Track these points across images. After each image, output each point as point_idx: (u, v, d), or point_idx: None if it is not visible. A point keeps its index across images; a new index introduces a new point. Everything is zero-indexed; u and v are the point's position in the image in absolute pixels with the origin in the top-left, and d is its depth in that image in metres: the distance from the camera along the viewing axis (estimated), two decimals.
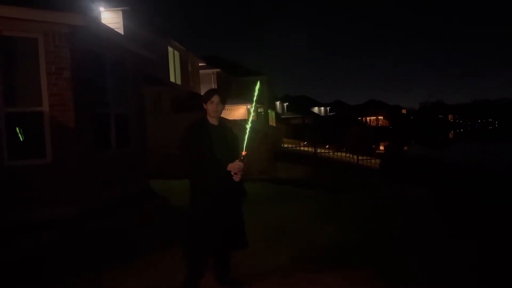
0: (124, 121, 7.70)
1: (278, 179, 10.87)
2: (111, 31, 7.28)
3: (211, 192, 3.21)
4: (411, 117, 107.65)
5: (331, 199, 8.11)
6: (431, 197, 9.48)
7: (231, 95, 30.22)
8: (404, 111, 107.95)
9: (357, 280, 3.69)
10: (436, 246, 4.85)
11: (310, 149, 20.31)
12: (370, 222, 6.03)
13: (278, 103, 48.69)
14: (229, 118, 22.87)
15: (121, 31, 13.58)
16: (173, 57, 20.12)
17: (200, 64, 24.97)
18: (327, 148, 20.91)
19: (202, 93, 25.45)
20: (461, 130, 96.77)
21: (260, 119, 31.07)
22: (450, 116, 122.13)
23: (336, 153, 19.13)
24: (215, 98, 3.31)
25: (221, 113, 3.38)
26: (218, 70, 27.09)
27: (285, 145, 22.87)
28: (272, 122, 35.75)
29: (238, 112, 28.38)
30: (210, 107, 3.33)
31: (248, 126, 3.22)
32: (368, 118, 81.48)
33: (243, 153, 3.15)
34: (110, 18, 14.06)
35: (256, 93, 3.30)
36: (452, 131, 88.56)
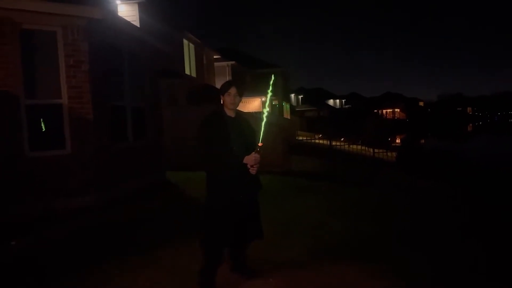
0: (140, 113, 7.79)
1: (292, 171, 10.84)
2: (128, 23, 7.34)
3: (228, 184, 3.21)
4: (429, 109, 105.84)
5: (346, 192, 8.06)
6: (447, 192, 9.33)
7: (246, 87, 30.21)
8: (421, 103, 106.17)
9: (374, 273, 3.68)
10: (448, 243, 4.78)
11: (325, 141, 20.18)
12: (385, 216, 5.99)
13: (293, 95, 48.45)
14: (244, 111, 22.92)
15: (137, 23, 13.67)
16: (188, 49, 20.18)
17: (215, 57, 25.00)
18: (343, 141, 20.75)
19: (217, 85, 25.67)
20: (480, 123, 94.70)
21: (275, 111, 31.00)
22: (469, 109, 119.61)
23: (351, 146, 18.98)
24: (232, 90, 3.30)
25: (238, 105, 3.38)
26: (233, 62, 27.07)
27: (300, 138, 22.80)
28: (287, 114, 35.63)
29: (253, 104, 28.37)
30: (227, 99, 3.32)
31: (264, 117, 3.21)
32: (384, 111, 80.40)
33: (260, 144, 3.15)
34: (126, 11, 14.17)
35: (270, 88, 3.32)
36: (471, 124, 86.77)
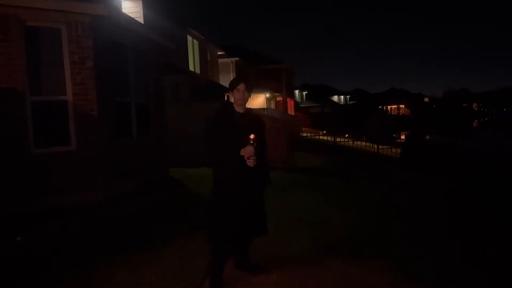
0: (144, 110, 7.81)
1: (297, 168, 10.85)
2: (132, 20, 7.35)
3: (232, 179, 3.23)
4: (434, 105, 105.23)
5: (350, 188, 8.06)
6: (452, 188, 9.29)
7: (249, 83, 30.17)
8: (426, 99, 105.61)
9: (378, 269, 3.68)
10: (450, 241, 4.78)
11: (329, 138, 20.18)
12: (389, 213, 5.99)
13: (297, 91, 48.32)
14: (248, 107, 22.90)
15: (141, 20, 13.66)
16: (192, 46, 20.17)
17: (219, 53, 24.96)
18: (347, 137, 20.71)
19: (221, 82, 25.62)
20: (486, 118, 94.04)
21: (279, 108, 30.96)
22: (474, 105, 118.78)
23: (355, 142, 18.94)
24: (241, 86, 3.31)
25: (247, 101, 3.37)
26: (237, 59, 27.02)
27: (304, 134, 22.76)
28: (291, 110, 35.56)
29: (257, 101, 28.34)
30: (236, 95, 3.34)
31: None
32: (389, 107, 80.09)
33: (251, 136, 3.15)
34: (130, 8, 14.15)
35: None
36: (476, 120, 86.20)
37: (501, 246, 4.46)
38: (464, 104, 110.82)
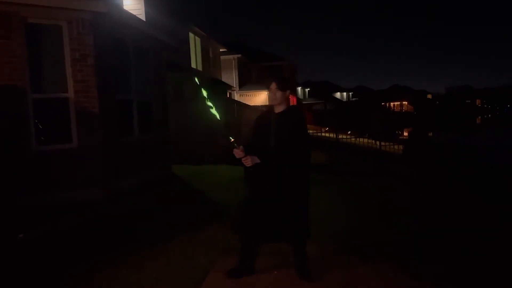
0: (146, 107, 7.81)
1: None
2: (133, 17, 7.34)
3: (257, 177, 3.27)
4: (437, 102, 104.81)
5: (352, 186, 8.04)
6: (455, 185, 9.26)
7: (251, 80, 30.12)
8: (429, 96, 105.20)
9: (383, 269, 3.67)
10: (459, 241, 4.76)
11: (331, 135, 20.14)
12: (391, 211, 5.96)
13: (299, 88, 48.21)
14: (250, 104, 22.88)
15: (142, 17, 13.62)
16: (194, 43, 20.14)
17: (221, 50, 24.91)
18: (349, 134, 20.66)
19: (223, 79, 25.54)
20: (489, 115, 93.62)
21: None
22: (477, 101, 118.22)
23: (358, 139, 18.89)
24: (273, 86, 3.32)
25: (281, 100, 3.34)
26: (239, 55, 26.97)
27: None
28: None
29: (259, 98, 28.30)
30: (269, 94, 3.37)
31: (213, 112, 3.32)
32: (392, 104, 79.77)
33: (231, 139, 3.24)
34: (132, 5, 14.11)
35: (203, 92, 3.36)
36: (480, 117, 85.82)
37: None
38: (467, 101, 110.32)
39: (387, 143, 17.35)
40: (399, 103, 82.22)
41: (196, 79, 3.56)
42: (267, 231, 3.29)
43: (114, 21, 6.51)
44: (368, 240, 4.48)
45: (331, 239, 4.43)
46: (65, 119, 5.89)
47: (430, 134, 41.95)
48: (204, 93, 3.38)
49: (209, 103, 3.33)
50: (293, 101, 35.58)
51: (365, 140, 18.77)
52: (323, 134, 21.50)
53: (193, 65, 19.61)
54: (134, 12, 10.03)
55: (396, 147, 17.17)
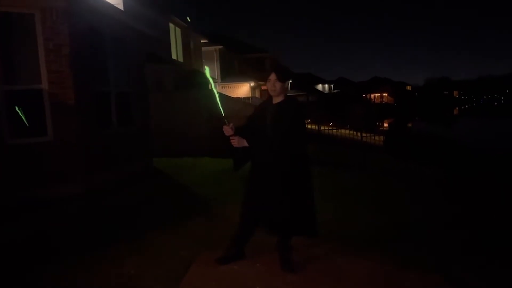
0: (125, 99, 7.62)
1: None
2: (111, 6, 7.12)
3: (255, 166, 3.36)
4: (416, 93, 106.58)
5: (335, 176, 8.07)
6: (435, 174, 9.43)
7: (234, 72, 29.91)
8: (409, 87, 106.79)
9: (366, 259, 3.68)
10: (443, 230, 4.82)
11: (313, 126, 20.21)
12: (374, 200, 6.01)
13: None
14: (232, 96, 22.71)
15: (121, 7, 13.26)
16: (175, 34, 19.82)
17: (202, 41, 24.62)
18: (331, 126, 20.78)
19: (204, 70, 25.05)
20: (466, 106, 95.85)
21: (264, 97, 30.79)
22: (455, 92, 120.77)
23: (339, 130, 19.01)
24: (272, 76, 3.28)
25: (280, 92, 3.30)
26: (221, 47, 26.72)
27: None
28: None
29: (241, 89, 28.15)
30: (268, 85, 3.33)
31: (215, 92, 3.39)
32: (372, 95, 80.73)
33: (223, 116, 3.29)
34: None
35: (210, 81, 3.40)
36: (457, 108, 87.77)
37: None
38: (445, 92, 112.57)
39: (368, 134, 17.52)
40: (379, 94, 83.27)
41: (206, 68, 3.50)
42: (266, 218, 3.33)
43: (90, 10, 6.29)
44: (352, 229, 4.49)
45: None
46: (40, 112, 5.68)
47: (410, 125, 42.71)
48: (212, 84, 3.39)
49: (216, 94, 3.38)
50: None
51: (347, 131, 18.89)
52: (308, 126, 21.54)
53: (174, 57, 19.32)
54: (112, 1, 9.73)
55: (377, 138, 17.36)
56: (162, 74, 15.80)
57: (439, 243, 4.12)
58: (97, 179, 6.30)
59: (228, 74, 28.64)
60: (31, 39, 5.58)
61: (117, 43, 7.32)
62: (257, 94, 30.96)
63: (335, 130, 18.84)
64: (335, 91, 74.97)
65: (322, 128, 18.73)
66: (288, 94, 3.42)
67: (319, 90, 66.08)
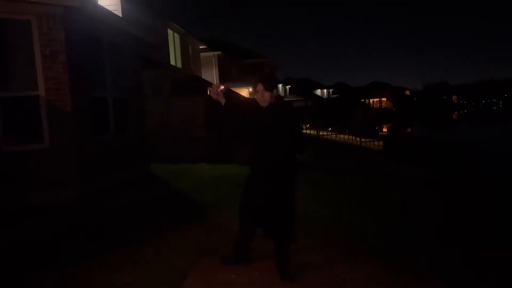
0: (122, 105, 7.58)
1: None
2: (108, 12, 7.10)
3: (255, 169, 3.36)
4: (415, 98, 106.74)
5: (335, 181, 8.03)
6: (435, 178, 9.39)
7: (232, 78, 29.95)
8: (407, 92, 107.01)
9: (364, 266, 3.63)
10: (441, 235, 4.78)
11: (312, 132, 20.19)
12: (374, 206, 5.97)
13: (280, 85, 48.25)
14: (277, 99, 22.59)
15: (119, 13, 13.30)
16: (173, 40, 19.84)
17: (200, 47, 24.65)
18: (330, 131, 20.77)
19: (203, 76, 25.29)
20: (465, 111, 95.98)
21: None
22: (454, 97, 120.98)
23: (338, 136, 19.01)
24: (259, 87, 3.27)
25: (271, 100, 3.29)
26: (219, 53, 26.73)
27: None
28: None
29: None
30: (256, 96, 3.31)
31: None
32: (371, 100, 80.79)
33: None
34: (108, 0, 13.78)
35: None
36: (456, 112, 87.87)
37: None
38: (444, 97, 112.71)
39: (367, 139, 17.51)
40: (378, 99, 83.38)
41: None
42: (262, 219, 3.34)
43: (88, 16, 6.27)
44: (350, 236, 4.44)
45: (313, 236, 4.37)
46: (36, 118, 5.64)
47: (409, 129, 42.70)
48: None
49: None
50: None
51: (346, 136, 18.89)
52: (304, 131, 21.53)
53: (172, 62, 19.33)
54: (110, 8, 9.74)
55: (376, 143, 17.35)
56: (160, 80, 15.77)
57: (439, 250, 4.08)
58: (93, 185, 6.25)
59: (227, 79, 28.65)
60: (28, 46, 5.55)
61: (114, 49, 7.30)
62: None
63: (334, 135, 18.82)
64: (333, 96, 75.11)
65: (321, 133, 18.72)
66: (285, 99, 3.42)
67: (317, 95, 66.22)
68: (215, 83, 26.72)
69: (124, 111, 7.64)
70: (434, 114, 70.80)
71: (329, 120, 24.96)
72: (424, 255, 3.91)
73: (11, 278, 3.50)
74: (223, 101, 3.38)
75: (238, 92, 27.99)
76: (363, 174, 9.32)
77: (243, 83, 27.22)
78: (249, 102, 3.48)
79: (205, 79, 23.62)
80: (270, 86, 3.27)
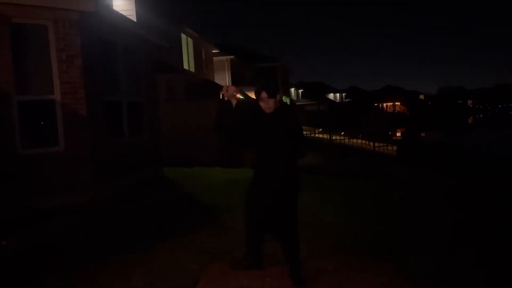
0: (136, 108, 7.65)
1: None
2: (123, 17, 7.20)
3: (258, 172, 3.38)
4: (429, 102, 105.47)
5: (347, 187, 7.95)
6: (449, 184, 9.22)
7: (245, 82, 30.03)
8: (422, 96, 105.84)
9: (377, 271, 3.57)
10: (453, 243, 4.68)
11: (325, 136, 20.09)
12: (386, 211, 5.88)
13: (293, 89, 48.21)
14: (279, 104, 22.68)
15: (133, 18, 13.46)
16: (187, 44, 20.00)
17: (213, 51, 24.79)
18: (343, 135, 20.63)
19: (216, 80, 25.40)
20: (481, 115, 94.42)
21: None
22: (469, 101, 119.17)
23: (351, 140, 18.86)
24: (263, 95, 3.25)
25: (275, 106, 3.29)
26: (232, 57, 26.85)
27: None
28: None
29: None
30: (262, 104, 3.29)
31: None
32: (384, 104, 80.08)
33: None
34: (123, 5, 13.93)
35: None
36: (472, 117, 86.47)
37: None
38: (459, 101, 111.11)
39: (380, 144, 17.33)
40: (391, 103, 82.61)
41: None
42: (267, 224, 3.36)
43: (103, 21, 6.36)
44: (361, 242, 4.38)
45: (324, 242, 4.33)
46: (52, 122, 5.72)
47: (423, 134, 42.15)
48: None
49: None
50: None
51: (359, 141, 18.74)
52: (317, 135, 21.45)
53: (186, 66, 19.47)
54: (124, 13, 9.87)
55: (390, 148, 17.16)
56: (173, 84, 15.91)
57: (450, 256, 3.99)
58: (108, 188, 6.31)
59: (240, 83, 28.76)
60: (44, 50, 5.65)
61: (129, 54, 7.38)
62: None
63: (347, 140, 18.68)
64: (346, 100, 74.70)
65: (333, 137, 18.61)
66: (298, 103, 3.41)
67: (330, 99, 65.95)
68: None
69: (138, 114, 7.71)
70: (449, 118, 69.79)
71: (342, 124, 24.83)
72: (438, 261, 3.83)
73: (24, 280, 3.54)
74: (234, 103, 3.42)
75: (251, 96, 28.08)
76: (375, 179, 9.21)
77: (255, 87, 27.19)
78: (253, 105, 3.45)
79: (218, 83, 23.72)
80: (274, 93, 3.27)
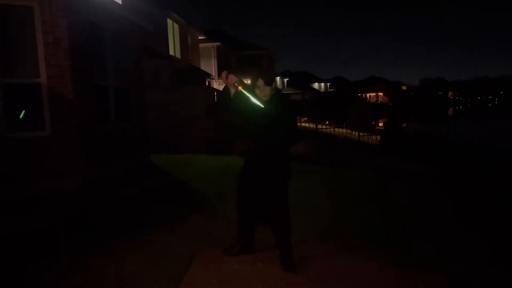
0: (123, 94, 7.55)
1: None
2: (109, 0, 7.04)
3: (250, 159, 3.40)
4: (411, 93, 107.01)
5: (334, 174, 8.06)
6: (431, 173, 9.46)
7: (231, 69, 29.85)
8: (404, 87, 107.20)
9: (368, 257, 3.67)
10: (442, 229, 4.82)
11: (310, 125, 20.24)
12: (373, 197, 6.00)
13: (278, 78, 48.13)
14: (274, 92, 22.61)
15: (119, 1, 13.19)
16: (173, 29, 19.70)
17: (200, 38, 24.50)
18: (328, 124, 20.82)
19: (202, 67, 25.13)
20: (461, 107, 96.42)
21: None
22: (450, 93, 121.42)
23: (336, 129, 19.07)
24: (260, 82, 3.23)
25: (271, 93, 3.27)
26: (218, 43, 26.59)
27: None
28: None
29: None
30: (258, 92, 3.27)
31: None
32: (368, 94, 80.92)
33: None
34: None
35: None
36: (452, 108, 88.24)
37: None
38: (440, 93, 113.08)
39: (364, 134, 17.58)
40: (375, 94, 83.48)
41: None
42: (259, 211, 3.39)
43: (89, 3, 6.22)
44: (351, 228, 4.48)
45: (313, 228, 4.41)
46: (38, 105, 5.62)
47: (405, 125, 42.86)
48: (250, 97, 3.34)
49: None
50: None
51: (343, 130, 18.96)
52: (302, 124, 21.58)
53: (171, 52, 19.22)
54: None
55: (373, 137, 17.44)
56: (159, 70, 15.71)
57: (440, 242, 4.12)
58: (95, 173, 6.25)
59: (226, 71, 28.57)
60: (30, 32, 5.51)
61: (116, 37, 7.25)
62: None
63: (332, 129, 18.87)
64: (331, 90, 75.05)
65: (319, 126, 18.76)
66: (284, 92, 3.43)
67: (315, 89, 66.12)
68: (213, 74, 26.54)
69: (125, 100, 7.62)
70: (430, 109, 71.03)
71: (326, 114, 25.01)
72: (426, 246, 3.96)
73: (17, 265, 3.51)
74: (232, 91, 3.41)
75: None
76: (360, 167, 9.37)
77: (242, 74, 27.06)
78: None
79: (204, 70, 23.51)
80: (271, 81, 3.27)
